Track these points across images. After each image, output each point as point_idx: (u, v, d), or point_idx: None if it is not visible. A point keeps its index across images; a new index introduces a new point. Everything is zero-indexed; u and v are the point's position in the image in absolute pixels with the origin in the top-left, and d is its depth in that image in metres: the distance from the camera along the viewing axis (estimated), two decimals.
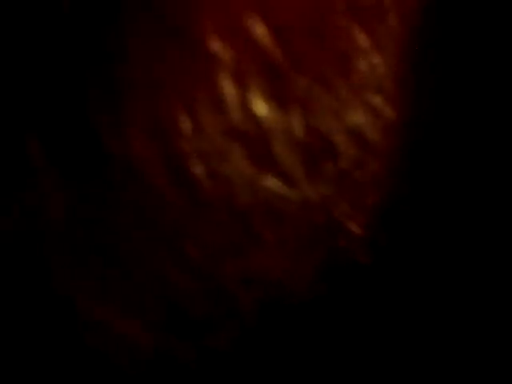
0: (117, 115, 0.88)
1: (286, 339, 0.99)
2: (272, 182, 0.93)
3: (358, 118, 0.96)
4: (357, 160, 0.97)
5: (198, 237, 0.92)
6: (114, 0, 0.88)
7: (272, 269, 0.96)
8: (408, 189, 1.02)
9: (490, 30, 1.03)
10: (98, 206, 0.90)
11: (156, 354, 0.94)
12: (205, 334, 0.95)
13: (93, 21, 0.89)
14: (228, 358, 0.97)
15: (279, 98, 0.92)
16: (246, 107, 0.91)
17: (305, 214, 0.95)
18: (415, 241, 1.01)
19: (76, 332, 0.93)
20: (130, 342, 0.94)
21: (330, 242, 0.98)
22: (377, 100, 0.96)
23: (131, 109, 0.89)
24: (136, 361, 0.94)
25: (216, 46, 0.89)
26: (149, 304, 0.93)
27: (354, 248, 0.99)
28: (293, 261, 0.97)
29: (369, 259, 0.97)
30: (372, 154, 0.97)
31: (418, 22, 0.99)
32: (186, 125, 0.89)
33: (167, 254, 0.92)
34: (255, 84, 0.91)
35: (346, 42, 0.95)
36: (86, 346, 0.93)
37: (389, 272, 1.00)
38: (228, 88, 0.90)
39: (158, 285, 0.93)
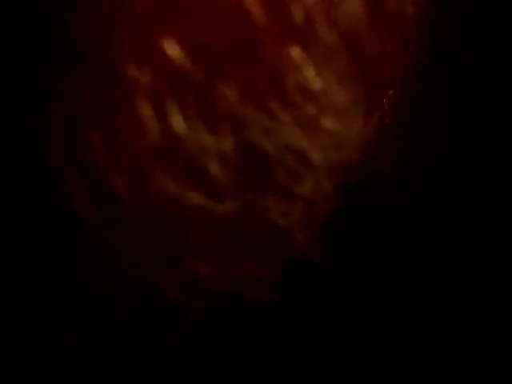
0: (37, 129, 0.93)
1: (236, 345, 1.02)
2: (198, 197, 0.94)
3: (293, 132, 0.95)
4: (295, 174, 0.96)
5: (126, 251, 0.96)
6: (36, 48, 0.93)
7: (214, 277, 0.98)
8: (355, 201, 1.00)
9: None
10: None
11: (92, 358, 1.00)
12: (152, 341, 1.00)
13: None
14: (175, 364, 1.02)
15: (204, 116, 0.93)
16: (165, 127, 0.92)
17: (242, 225, 0.96)
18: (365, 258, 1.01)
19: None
20: (69, 347, 1.00)
21: (275, 251, 0.99)
22: (312, 112, 0.95)
23: (51, 127, 0.94)
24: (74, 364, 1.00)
25: (132, 70, 0.91)
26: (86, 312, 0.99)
27: (302, 256, 0.99)
28: (235, 269, 0.98)
29: (316, 266, 0.98)
30: (310, 168, 0.96)
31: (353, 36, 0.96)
32: (104, 143, 0.93)
33: (100, 269, 0.96)
34: (174, 104, 0.92)
35: (276, 57, 0.93)
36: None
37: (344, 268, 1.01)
38: (146, 110, 0.92)
39: (98, 299, 0.98)
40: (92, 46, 0.90)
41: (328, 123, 0.93)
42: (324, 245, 0.99)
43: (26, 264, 0.95)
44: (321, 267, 1.00)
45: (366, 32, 0.95)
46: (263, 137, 0.93)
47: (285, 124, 0.93)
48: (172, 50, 0.90)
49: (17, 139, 0.93)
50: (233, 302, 0.99)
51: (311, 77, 0.92)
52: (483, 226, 1.04)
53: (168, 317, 0.99)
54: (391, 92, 1.06)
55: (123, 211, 0.93)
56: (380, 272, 1.03)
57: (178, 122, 0.91)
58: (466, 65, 1.03)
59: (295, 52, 0.91)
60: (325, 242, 0.99)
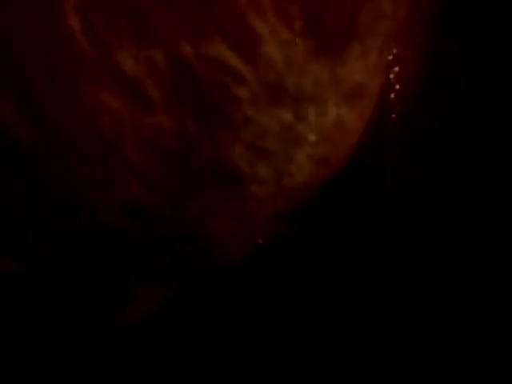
0: None
1: (216, 302, 1.02)
2: (133, 111, 0.91)
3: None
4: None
5: (67, 171, 0.93)
6: None
7: (158, 205, 0.95)
8: None
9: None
10: None
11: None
12: (133, 292, 0.99)
13: None
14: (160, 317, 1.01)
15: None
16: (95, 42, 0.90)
17: (186, 151, 0.93)
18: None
19: None
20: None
21: (218, 181, 0.96)
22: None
23: None
24: None
25: None
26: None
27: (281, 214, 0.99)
28: (181, 198, 0.95)
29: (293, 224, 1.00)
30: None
31: None
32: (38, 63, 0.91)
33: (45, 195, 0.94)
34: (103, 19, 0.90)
35: None
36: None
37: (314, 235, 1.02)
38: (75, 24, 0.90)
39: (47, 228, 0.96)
40: None
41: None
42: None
43: None
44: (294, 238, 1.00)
45: None
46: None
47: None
48: None
49: None
50: (179, 233, 0.96)
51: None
52: (475, 219, 1.03)
53: (115, 246, 0.97)
54: (397, 69, 1.06)
55: (62, 133, 0.90)
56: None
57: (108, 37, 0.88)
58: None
59: None
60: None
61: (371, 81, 0.99)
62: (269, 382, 1.03)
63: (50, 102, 0.89)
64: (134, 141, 0.91)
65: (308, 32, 0.90)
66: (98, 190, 0.92)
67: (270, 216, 0.99)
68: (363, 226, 1.04)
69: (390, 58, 1.04)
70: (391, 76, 1.06)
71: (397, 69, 1.06)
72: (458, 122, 1.04)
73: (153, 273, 1.00)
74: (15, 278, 0.96)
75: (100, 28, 0.88)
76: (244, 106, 0.90)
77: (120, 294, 1.00)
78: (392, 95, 1.06)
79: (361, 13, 0.94)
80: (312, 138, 0.97)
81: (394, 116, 1.06)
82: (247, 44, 0.89)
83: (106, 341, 1.02)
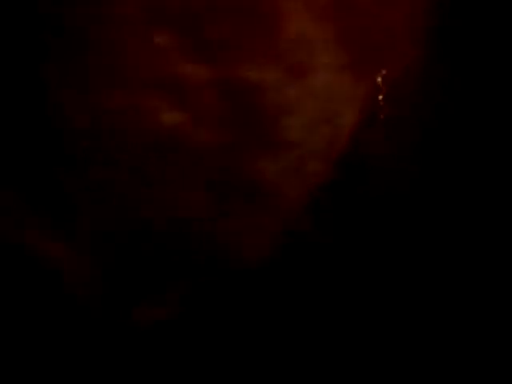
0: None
1: (233, 305, 1.05)
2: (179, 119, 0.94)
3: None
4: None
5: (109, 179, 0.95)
6: None
7: (222, 235, 0.99)
8: (349, 157, 1.05)
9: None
10: None
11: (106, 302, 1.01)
12: (155, 294, 1.01)
13: None
14: (177, 319, 1.04)
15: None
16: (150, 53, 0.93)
17: (250, 182, 0.98)
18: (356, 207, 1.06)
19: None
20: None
21: (273, 207, 1.01)
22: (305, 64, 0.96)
23: None
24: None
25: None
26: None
27: (297, 213, 1.02)
28: (241, 228, 0.99)
29: (311, 226, 1.01)
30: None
31: None
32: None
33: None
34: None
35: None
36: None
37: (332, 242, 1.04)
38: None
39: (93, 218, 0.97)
40: None
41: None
42: (314, 215, 1.02)
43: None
44: (311, 238, 1.03)
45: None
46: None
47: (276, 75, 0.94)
48: None
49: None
50: (225, 260, 1.01)
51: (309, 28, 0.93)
52: (473, 221, 1.06)
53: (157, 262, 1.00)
54: (384, 72, 1.10)
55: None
56: (370, 249, 1.06)
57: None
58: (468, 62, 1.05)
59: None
60: (315, 213, 1.02)
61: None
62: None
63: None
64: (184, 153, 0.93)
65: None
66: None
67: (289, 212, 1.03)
68: (360, 229, 1.08)
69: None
70: (378, 79, 1.10)
71: (384, 71, 1.11)
72: (448, 121, 1.07)
73: (179, 274, 1.02)
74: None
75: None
76: (292, 132, 0.94)
77: (149, 293, 1.02)
78: (380, 97, 1.10)
79: None
80: None
81: (382, 117, 1.10)
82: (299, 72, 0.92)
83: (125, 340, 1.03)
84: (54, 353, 1.02)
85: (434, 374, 1.04)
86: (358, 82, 0.98)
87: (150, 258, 0.98)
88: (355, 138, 1.05)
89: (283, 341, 1.05)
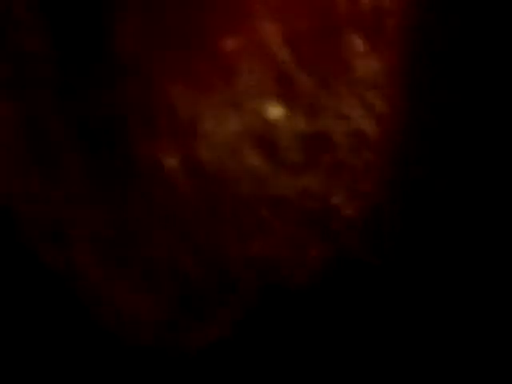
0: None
1: (285, 324, 1.05)
2: (276, 173, 0.99)
3: (353, 111, 1.02)
4: (352, 149, 1.03)
5: (206, 226, 0.99)
6: None
7: (272, 254, 1.02)
8: (401, 177, 1.08)
9: (488, 29, 1.07)
10: (120, 195, 0.97)
11: (167, 328, 1.01)
12: (209, 314, 1.02)
13: None
14: (230, 340, 1.05)
15: (288, 100, 0.99)
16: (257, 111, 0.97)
17: (304, 202, 1.02)
18: (407, 229, 1.06)
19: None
20: (142, 317, 1.01)
21: (325, 227, 1.04)
22: (370, 95, 1.03)
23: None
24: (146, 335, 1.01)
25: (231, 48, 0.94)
26: (162, 282, 1.00)
27: (349, 233, 1.04)
28: (292, 247, 1.03)
29: (363, 247, 1.04)
30: (366, 144, 1.03)
31: (414, 23, 1.04)
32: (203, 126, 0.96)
33: (179, 241, 0.99)
34: (269, 89, 0.97)
35: (345, 46, 1.01)
36: (93, 322, 1.00)
37: (384, 263, 1.05)
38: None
39: (171, 267, 0.99)
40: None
41: (382, 106, 1.02)
42: (367, 240, 1.05)
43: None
44: (363, 263, 1.05)
45: None
46: (330, 116, 0.99)
47: (348, 103, 1.00)
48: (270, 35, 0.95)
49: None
50: (284, 282, 1.03)
51: (375, 66, 1.00)
52: (482, 227, 1.07)
53: (228, 293, 1.02)
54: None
55: (212, 188, 0.96)
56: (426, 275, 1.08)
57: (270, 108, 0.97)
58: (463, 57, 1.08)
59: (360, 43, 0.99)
60: (368, 238, 1.05)
61: None
62: None
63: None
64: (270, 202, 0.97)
65: None
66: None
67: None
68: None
69: None
70: None
71: None
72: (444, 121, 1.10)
73: (227, 294, 1.04)
74: None
75: None
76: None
77: (198, 313, 1.03)
78: None
79: None
80: None
81: None
82: None
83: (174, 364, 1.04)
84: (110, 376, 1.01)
85: (435, 374, 1.07)
86: None
87: (201, 283, 0.99)
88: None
89: (337, 362, 1.07)
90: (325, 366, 1.07)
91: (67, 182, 0.97)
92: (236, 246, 1.00)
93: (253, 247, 1.00)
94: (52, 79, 0.96)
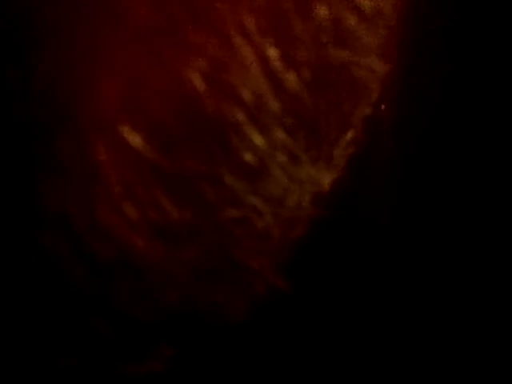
0: None
1: (221, 360, 1.03)
2: None
3: None
4: None
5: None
6: None
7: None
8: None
9: (488, 29, 0.96)
10: None
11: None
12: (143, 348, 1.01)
13: None
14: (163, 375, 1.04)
15: None
16: None
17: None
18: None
19: None
20: None
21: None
22: None
23: None
24: None
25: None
26: None
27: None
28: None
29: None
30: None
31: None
32: None
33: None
34: None
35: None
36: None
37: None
38: None
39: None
40: None
41: None
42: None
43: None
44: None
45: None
46: None
47: None
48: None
49: None
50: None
51: None
52: (479, 228, 0.99)
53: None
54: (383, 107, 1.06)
55: None
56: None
57: None
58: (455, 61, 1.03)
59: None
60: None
61: None
62: None
63: None
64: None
65: None
66: None
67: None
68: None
69: None
70: None
71: None
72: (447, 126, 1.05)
73: (169, 331, 1.02)
74: None
75: None
76: None
77: (137, 349, 1.02)
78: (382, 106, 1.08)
79: None
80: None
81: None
82: None
83: None
84: None
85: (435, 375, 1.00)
86: None
87: (143, 319, 0.97)
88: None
89: None
90: None
91: None
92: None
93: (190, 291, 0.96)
94: None
